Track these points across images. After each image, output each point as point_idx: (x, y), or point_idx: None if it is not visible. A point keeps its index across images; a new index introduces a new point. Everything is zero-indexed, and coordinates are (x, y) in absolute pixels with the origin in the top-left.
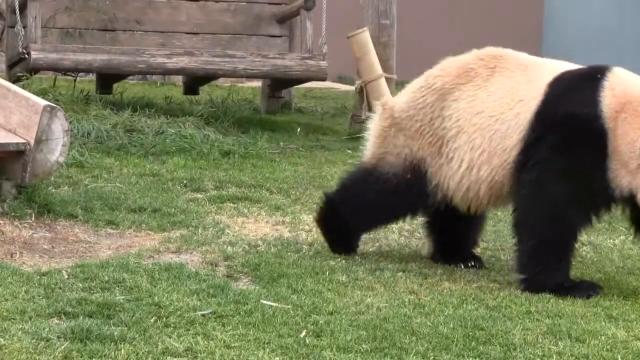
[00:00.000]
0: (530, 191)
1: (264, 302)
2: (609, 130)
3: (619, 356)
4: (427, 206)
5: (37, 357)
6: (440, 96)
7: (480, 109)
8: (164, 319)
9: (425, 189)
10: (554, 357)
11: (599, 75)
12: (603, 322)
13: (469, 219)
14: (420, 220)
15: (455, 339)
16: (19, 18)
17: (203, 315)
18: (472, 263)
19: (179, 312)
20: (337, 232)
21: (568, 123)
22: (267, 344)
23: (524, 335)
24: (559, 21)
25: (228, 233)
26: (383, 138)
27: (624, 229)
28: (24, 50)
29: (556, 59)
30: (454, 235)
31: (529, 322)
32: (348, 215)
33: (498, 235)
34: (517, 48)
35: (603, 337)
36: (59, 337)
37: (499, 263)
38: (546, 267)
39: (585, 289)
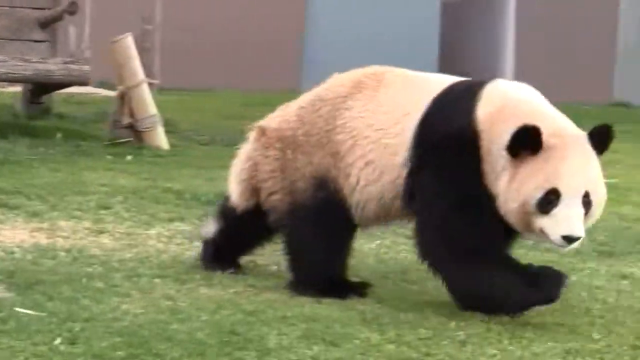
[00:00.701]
0: (424, 213)
1: (18, 309)
2: (482, 134)
3: (371, 359)
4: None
5: None
6: (333, 106)
7: (371, 121)
8: None
9: (342, 203)
10: None
11: (476, 87)
12: (357, 326)
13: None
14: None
15: (210, 345)
16: None
17: None
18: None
19: None
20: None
21: (447, 138)
22: (20, 352)
23: (280, 339)
24: (320, 28)
25: None
26: (283, 168)
27: (379, 233)
28: None
29: (317, 65)
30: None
31: (284, 326)
32: (311, 269)
33: None
34: (280, 53)
35: (357, 341)
36: None
37: (257, 268)
38: (472, 285)
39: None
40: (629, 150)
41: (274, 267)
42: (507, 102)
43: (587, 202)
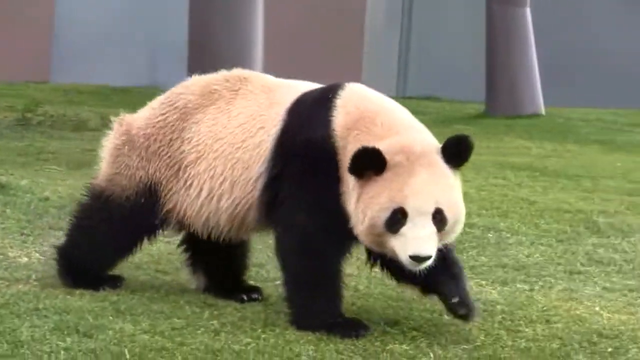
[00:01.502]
0: (281, 224)
1: None
2: (340, 149)
3: (126, 350)
4: (159, 233)
5: None
6: (181, 116)
7: (222, 135)
8: None
9: (158, 215)
10: (62, 352)
11: (331, 95)
12: (111, 317)
13: (232, 246)
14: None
15: None
16: None
17: None
18: (255, 295)
19: None
20: (83, 280)
21: (304, 150)
22: None
23: (32, 332)
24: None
25: None
26: (115, 157)
27: None
28: None
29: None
30: (224, 266)
31: (36, 319)
32: (85, 259)
33: None
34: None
35: (111, 332)
36: None
37: (7, 260)
38: (314, 300)
39: (353, 328)
40: None
41: (25, 259)
42: (366, 114)
43: (440, 219)
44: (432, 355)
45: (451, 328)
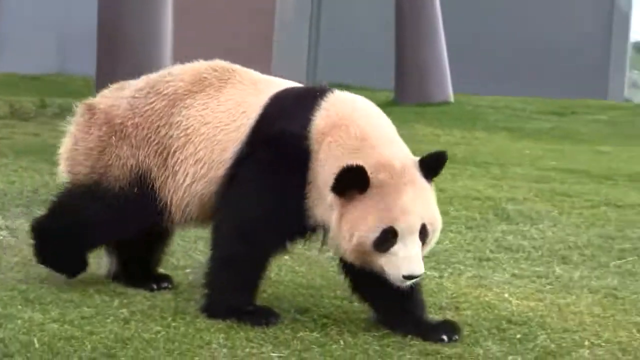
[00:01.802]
0: (227, 206)
1: None
2: (313, 153)
3: (35, 339)
4: (160, 223)
5: None
6: (170, 102)
7: (209, 119)
8: None
9: (155, 204)
10: None
11: (318, 94)
12: (19, 306)
13: (153, 236)
14: None
15: None
16: None
17: None
18: (165, 284)
19: None
20: (60, 259)
21: (277, 140)
22: None
23: None
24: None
25: None
26: (102, 149)
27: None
28: None
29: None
30: (138, 255)
31: None
32: (69, 239)
33: None
34: None
35: (19, 321)
36: None
37: None
38: (228, 287)
39: (263, 316)
40: None
41: None
42: (343, 122)
43: (424, 233)
44: (342, 342)
45: (361, 315)
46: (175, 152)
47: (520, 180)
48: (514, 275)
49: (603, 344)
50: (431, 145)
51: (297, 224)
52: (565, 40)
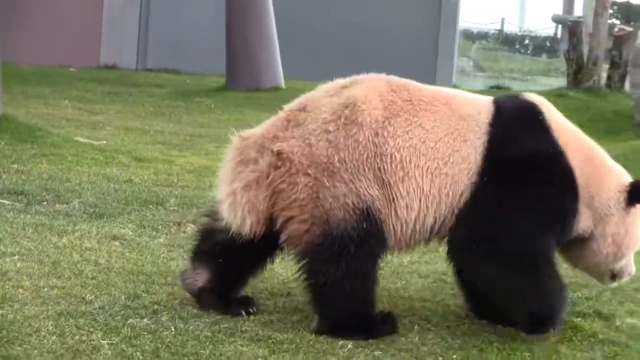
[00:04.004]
0: (490, 226)
1: None
2: (576, 169)
3: None
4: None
5: None
6: (373, 132)
7: (424, 150)
8: None
9: (383, 235)
10: None
11: (537, 111)
12: None
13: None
14: None
15: None
16: None
17: None
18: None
19: None
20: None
21: (533, 163)
22: None
23: None
24: None
25: None
26: (315, 197)
27: None
28: None
29: None
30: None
31: None
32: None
33: None
34: None
35: None
36: None
37: None
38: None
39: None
40: (117, 111)
41: None
42: (572, 137)
43: None
44: (173, 329)
45: (192, 301)
46: (394, 184)
47: None
48: None
49: (432, 328)
50: None
51: (568, 232)
52: (396, 26)
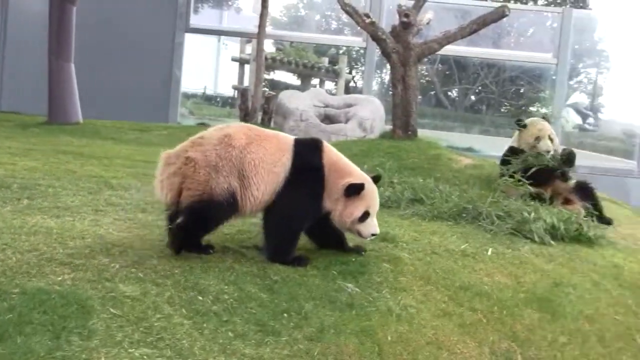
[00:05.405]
0: (280, 204)
1: None
2: (325, 176)
3: None
4: (238, 216)
5: None
6: (239, 151)
7: (264, 159)
8: None
9: (237, 206)
10: None
11: (319, 144)
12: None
13: None
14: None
15: None
16: None
17: None
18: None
19: None
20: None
21: (309, 170)
22: None
23: None
24: None
25: None
26: (206, 180)
27: None
28: None
29: None
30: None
31: None
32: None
33: None
34: None
35: None
36: None
37: None
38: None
39: (303, 261)
40: None
41: None
42: (333, 159)
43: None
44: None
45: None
46: (247, 177)
47: (120, 167)
48: (115, 219)
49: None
50: (69, 147)
51: (317, 211)
52: (145, 85)
